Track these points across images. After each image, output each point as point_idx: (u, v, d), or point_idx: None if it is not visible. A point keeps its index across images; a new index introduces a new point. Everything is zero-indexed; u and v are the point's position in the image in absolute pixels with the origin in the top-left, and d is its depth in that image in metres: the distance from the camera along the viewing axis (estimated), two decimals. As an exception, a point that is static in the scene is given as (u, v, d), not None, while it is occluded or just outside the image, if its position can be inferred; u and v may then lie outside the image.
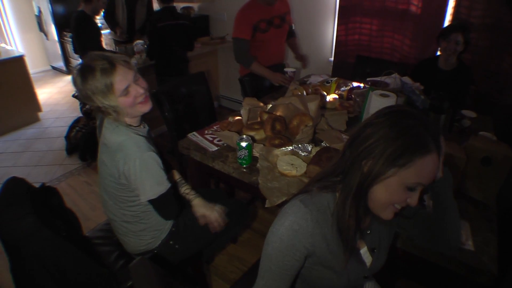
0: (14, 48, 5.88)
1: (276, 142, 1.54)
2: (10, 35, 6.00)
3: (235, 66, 4.09)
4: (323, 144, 1.59)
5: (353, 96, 1.92)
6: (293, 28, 2.80)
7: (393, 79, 2.03)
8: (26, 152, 3.60)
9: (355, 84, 2.25)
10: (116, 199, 1.30)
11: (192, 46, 3.19)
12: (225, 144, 1.60)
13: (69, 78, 5.96)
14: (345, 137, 1.60)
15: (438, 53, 2.63)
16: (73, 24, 2.63)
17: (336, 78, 2.24)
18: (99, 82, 1.14)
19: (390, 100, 1.55)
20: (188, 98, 2.21)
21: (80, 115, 3.55)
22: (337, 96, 2.08)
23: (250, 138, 1.44)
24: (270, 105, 1.82)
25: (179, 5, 4.26)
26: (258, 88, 2.42)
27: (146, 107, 1.27)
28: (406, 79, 2.06)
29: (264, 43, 2.52)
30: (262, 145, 1.53)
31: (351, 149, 0.83)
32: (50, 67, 6.50)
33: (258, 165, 1.42)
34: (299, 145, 1.52)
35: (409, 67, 2.69)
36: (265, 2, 2.36)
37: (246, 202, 2.47)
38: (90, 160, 3.26)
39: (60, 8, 5.58)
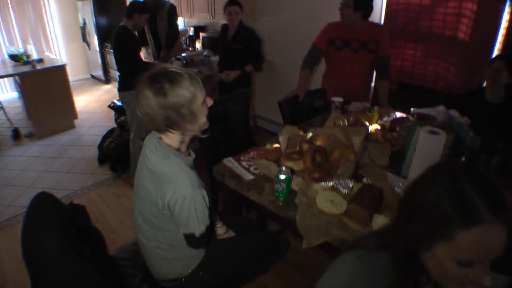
0: (57, 56, 6.16)
1: (316, 175, 1.46)
2: (56, 44, 6.31)
3: (273, 85, 4.21)
4: (364, 180, 1.50)
5: (397, 128, 1.82)
6: (387, 68, 2.50)
7: (439, 112, 1.91)
8: (60, 158, 3.69)
9: (398, 114, 2.13)
10: (153, 226, 1.26)
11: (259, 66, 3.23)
12: (261, 174, 1.53)
13: (107, 87, 6.17)
14: (389, 175, 1.49)
15: (484, 84, 2.50)
16: (114, 39, 2.69)
17: (378, 107, 2.14)
18: (187, 89, 1.12)
19: (439, 138, 1.44)
20: (225, 118, 2.17)
21: (114, 126, 3.63)
22: (379, 127, 1.98)
23: (289, 170, 1.37)
24: (310, 134, 1.74)
25: (219, 22, 4.33)
26: (298, 113, 2.35)
27: (207, 124, 1.25)
28: (453, 112, 1.93)
29: (336, 62, 2.51)
30: (301, 178, 1.45)
31: (401, 207, 0.75)
32: (89, 76, 6.77)
33: (296, 200, 1.34)
34: (340, 181, 1.43)
35: (453, 97, 2.54)
36: (348, 22, 2.38)
37: (277, 230, 2.38)
38: (121, 171, 3.29)
39: (103, 20, 5.82)
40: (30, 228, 1.12)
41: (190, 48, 4.77)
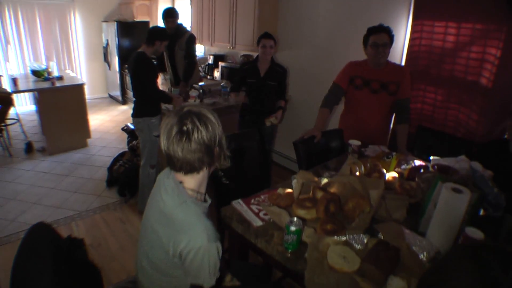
0: (78, 74, 6.32)
1: (329, 227, 1.37)
2: (78, 62, 6.48)
3: (289, 120, 4.17)
4: (379, 236, 1.40)
5: (416, 179, 1.73)
6: (407, 112, 2.42)
7: (461, 164, 1.81)
8: (69, 176, 3.69)
9: (417, 162, 2.04)
10: (158, 270, 1.18)
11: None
12: (271, 220, 1.46)
13: (123, 108, 6.25)
14: (407, 232, 1.39)
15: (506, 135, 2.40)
16: (133, 65, 2.70)
17: (396, 153, 2.06)
18: (215, 123, 1.12)
19: (463, 197, 1.34)
20: (238, 155, 2.12)
21: (126, 149, 3.62)
22: (397, 175, 1.89)
23: (301, 222, 1.29)
24: (325, 180, 1.67)
25: (239, 52, 4.38)
26: (313, 154, 2.27)
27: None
28: (476, 165, 1.83)
29: (355, 102, 2.45)
30: (312, 229, 1.36)
31: None
32: (107, 95, 6.90)
33: (306, 255, 1.25)
34: (354, 236, 1.34)
35: (475, 145, 2.45)
36: (371, 62, 2.35)
37: (282, 275, 2.26)
38: (128, 196, 3.24)
39: (125, 42, 5.97)
40: (23, 261, 1.07)
41: (208, 77, 4.81)
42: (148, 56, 2.72)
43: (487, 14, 2.30)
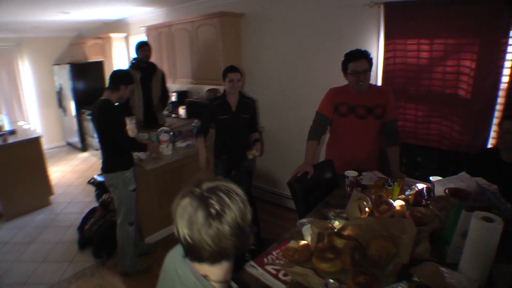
0: (32, 124, 5.85)
1: (362, 279, 1.22)
2: (30, 111, 6.01)
3: (267, 153, 4.02)
4: (414, 279, 1.26)
5: (431, 207, 1.63)
6: (396, 133, 2.36)
7: (467, 182, 1.75)
8: (33, 243, 3.27)
9: (419, 185, 1.96)
10: None
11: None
12: (294, 281, 1.27)
13: (83, 155, 5.82)
14: (445, 271, 1.27)
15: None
16: (98, 116, 2.44)
17: (398, 179, 1.97)
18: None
19: (496, 226, 1.25)
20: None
21: (95, 203, 3.28)
22: (403, 203, 1.79)
23: (337, 284, 1.12)
24: (336, 222, 1.52)
25: (203, 87, 4.23)
26: (308, 191, 2.13)
27: None
28: (481, 180, 1.79)
29: (342, 130, 2.36)
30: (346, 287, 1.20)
31: None
32: (65, 143, 6.43)
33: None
34: (392, 286, 1.19)
35: (464, 156, 2.45)
36: (353, 89, 2.26)
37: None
38: (105, 257, 2.89)
39: (80, 84, 5.66)
40: None
41: (173, 115, 4.61)
42: (113, 103, 2.47)
43: (457, 29, 2.34)
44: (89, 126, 5.57)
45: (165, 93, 3.96)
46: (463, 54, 2.36)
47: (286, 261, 1.38)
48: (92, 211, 3.17)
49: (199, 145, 2.89)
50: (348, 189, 2.07)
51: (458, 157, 2.53)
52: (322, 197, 2.20)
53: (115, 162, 2.48)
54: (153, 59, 4.57)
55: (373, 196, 1.80)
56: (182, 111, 4.44)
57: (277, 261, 1.38)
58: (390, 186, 1.95)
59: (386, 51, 2.69)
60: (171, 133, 3.33)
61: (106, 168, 2.50)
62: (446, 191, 1.70)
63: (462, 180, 1.79)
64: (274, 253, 1.44)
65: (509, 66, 2.24)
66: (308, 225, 1.53)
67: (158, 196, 3.09)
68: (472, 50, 2.32)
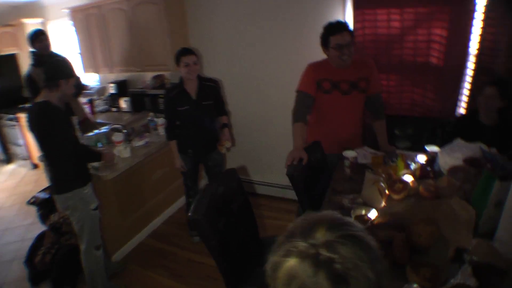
0: None
1: (426, 272, 1.09)
2: None
3: (237, 140, 3.73)
4: (473, 258, 1.17)
5: (447, 179, 1.56)
6: (382, 107, 2.27)
7: (471, 147, 1.73)
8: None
9: (419, 157, 1.90)
10: None
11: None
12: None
13: (9, 168, 4.93)
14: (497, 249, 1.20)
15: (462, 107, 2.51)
16: (36, 123, 1.94)
17: (400, 154, 1.89)
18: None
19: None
20: (226, 205, 1.67)
21: (42, 227, 2.72)
22: (412, 178, 1.72)
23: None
24: (363, 211, 1.37)
25: (146, 74, 3.76)
26: (305, 178, 1.94)
27: None
28: (483, 146, 1.77)
29: (326, 108, 2.18)
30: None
31: None
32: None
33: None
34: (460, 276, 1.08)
35: (444, 123, 2.49)
36: (336, 64, 2.08)
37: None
38: (69, 290, 2.43)
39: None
40: None
41: (114, 109, 4.06)
42: (54, 104, 1.97)
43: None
44: (12, 132, 4.71)
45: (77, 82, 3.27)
46: (435, 22, 2.35)
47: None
48: (40, 238, 2.63)
49: (172, 148, 2.64)
50: (348, 171, 1.95)
51: (431, 122, 2.58)
52: (318, 182, 2.07)
53: (68, 179, 2.03)
54: (82, 47, 3.96)
55: (383, 176, 1.69)
56: (124, 103, 3.92)
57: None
58: (394, 162, 1.87)
59: (354, 22, 2.57)
60: (125, 132, 2.90)
61: (58, 188, 2.03)
62: (465, 161, 1.65)
63: (465, 148, 1.76)
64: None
65: (479, 33, 2.27)
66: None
67: (119, 206, 2.68)
68: (443, 19, 2.31)
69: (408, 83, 2.60)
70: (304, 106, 2.16)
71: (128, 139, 2.88)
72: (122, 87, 4.00)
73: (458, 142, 1.86)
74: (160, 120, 3.07)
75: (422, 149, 2.02)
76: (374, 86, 2.19)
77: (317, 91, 2.15)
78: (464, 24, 2.27)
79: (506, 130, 2.12)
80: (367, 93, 2.19)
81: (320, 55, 2.17)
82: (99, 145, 2.87)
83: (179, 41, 3.26)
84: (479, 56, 2.30)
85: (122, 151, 2.64)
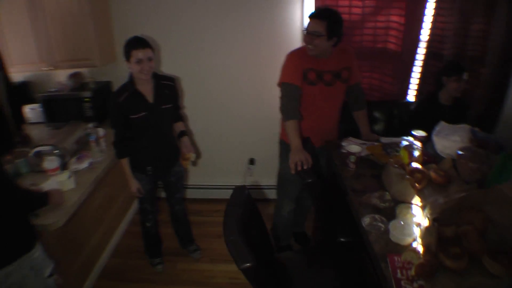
0: None
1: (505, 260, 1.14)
2: None
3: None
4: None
5: (461, 161, 1.65)
6: (363, 96, 2.26)
7: (461, 129, 1.90)
8: None
9: (416, 143, 1.99)
10: None
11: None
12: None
13: None
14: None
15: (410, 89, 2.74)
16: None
17: (404, 143, 1.94)
18: None
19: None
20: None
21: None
22: (420, 166, 1.78)
23: None
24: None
25: (57, 73, 3.00)
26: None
27: None
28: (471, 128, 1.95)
29: (310, 100, 2.05)
30: None
31: None
32: None
33: None
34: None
35: (394, 105, 2.68)
36: (319, 55, 1.96)
37: None
38: None
39: None
40: None
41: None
42: None
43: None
44: None
45: None
46: (393, 10, 2.47)
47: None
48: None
49: (124, 167, 2.12)
50: (354, 166, 1.90)
51: (387, 106, 2.75)
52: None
53: (8, 244, 1.42)
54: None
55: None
56: (30, 113, 3.06)
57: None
58: (397, 152, 1.92)
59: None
60: (57, 152, 2.24)
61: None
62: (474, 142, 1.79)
63: (455, 130, 1.91)
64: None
65: (430, 21, 2.48)
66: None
67: (63, 253, 2.05)
68: (400, 6, 2.45)
69: (367, 68, 2.71)
70: (294, 100, 2.02)
71: (63, 163, 2.24)
72: (24, 92, 3.11)
73: (444, 125, 2.00)
74: (101, 131, 2.50)
75: (402, 134, 2.15)
76: (355, 76, 2.17)
77: (303, 83, 2.03)
78: (418, 12, 2.45)
79: (460, 108, 2.41)
80: (348, 83, 2.16)
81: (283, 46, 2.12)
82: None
83: (105, 29, 2.71)
84: (430, 42, 2.53)
85: (64, 183, 1.99)
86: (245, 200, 1.46)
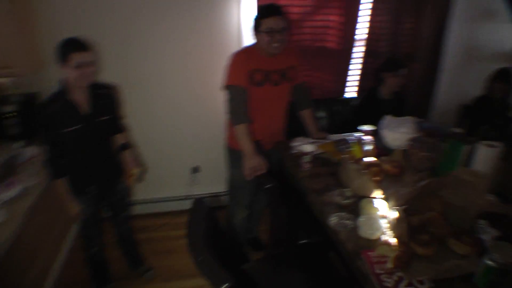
0: None
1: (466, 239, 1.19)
2: None
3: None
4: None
5: (412, 150, 1.73)
6: (309, 95, 2.23)
7: (407, 121, 2.00)
8: None
9: (366, 138, 2.03)
10: None
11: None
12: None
13: None
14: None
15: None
16: None
17: (356, 139, 1.98)
18: None
19: (497, 150, 1.52)
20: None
21: None
22: (375, 159, 1.83)
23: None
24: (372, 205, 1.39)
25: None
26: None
27: None
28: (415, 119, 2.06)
29: (257, 102, 1.98)
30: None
31: None
32: None
33: None
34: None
35: (336, 102, 2.77)
36: (265, 52, 1.90)
37: None
38: None
39: None
40: None
41: None
42: None
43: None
44: None
45: None
46: (332, 9, 2.54)
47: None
48: None
49: (61, 189, 1.84)
50: (309, 166, 1.88)
51: (328, 103, 2.82)
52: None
53: None
54: None
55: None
56: None
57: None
58: (350, 147, 1.94)
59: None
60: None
61: None
62: (423, 130, 1.90)
63: (400, 123, 2.00)
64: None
65: (368, 20, 2.60)
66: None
67: None
68: (339, 6, 2.53)
69: (306, 68, 2.70)
70: (242, 103, 1.94)
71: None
72: None
73: (389, 118, 2.09)
74: (31, 150, 2.17)
75: (345, 130, 2.23)
76: (300, 75, 2.17)
77: (249, 84, 1.96)
78: (356, 11, 2.55)
79: (399, 101, 2.56)
80: (294, 82, 2.13)
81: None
82: None
83: (28, 30, 2.33)
84: (368, 41, 2.65)
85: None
86: (206, 214, 1.34)
